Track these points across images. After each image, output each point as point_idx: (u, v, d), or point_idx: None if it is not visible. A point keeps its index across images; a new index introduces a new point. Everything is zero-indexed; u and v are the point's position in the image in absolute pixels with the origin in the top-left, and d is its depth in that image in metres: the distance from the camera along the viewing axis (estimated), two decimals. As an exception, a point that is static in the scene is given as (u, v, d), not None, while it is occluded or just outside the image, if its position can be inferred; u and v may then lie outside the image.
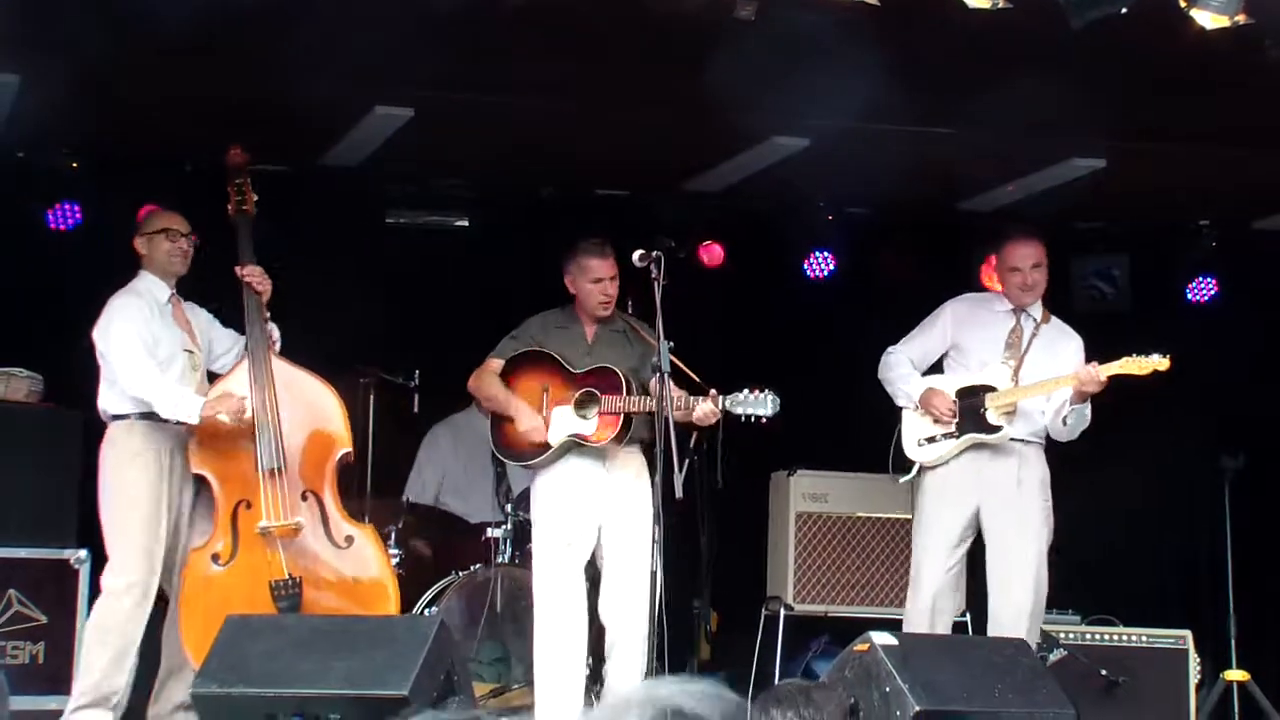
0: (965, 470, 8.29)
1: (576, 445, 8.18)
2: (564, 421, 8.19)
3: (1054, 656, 9.10)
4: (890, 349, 8.58)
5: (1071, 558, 9.07)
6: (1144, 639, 9.69)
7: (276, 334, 8.17)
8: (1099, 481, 10.41)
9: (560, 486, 8.21)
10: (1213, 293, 11.36)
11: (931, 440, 8.34)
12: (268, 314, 8.10)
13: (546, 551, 8.18)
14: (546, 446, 8.17)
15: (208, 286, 8.31)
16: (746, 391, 7.89)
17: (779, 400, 7.87)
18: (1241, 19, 7.04)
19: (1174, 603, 10.82)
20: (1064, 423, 8.18)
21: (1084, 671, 9.28)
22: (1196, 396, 10.65)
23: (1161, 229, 11.23)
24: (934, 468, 8.34)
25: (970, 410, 8.24)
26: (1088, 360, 8.21)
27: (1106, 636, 9.70)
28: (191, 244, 8.10)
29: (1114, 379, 7.97)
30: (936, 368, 8.58)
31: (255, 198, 8.25)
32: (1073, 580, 9.86)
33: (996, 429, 8.20)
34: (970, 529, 8.31)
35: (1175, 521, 11.29)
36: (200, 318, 8.22)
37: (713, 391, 7.91)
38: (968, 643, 8.29)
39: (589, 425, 8.15)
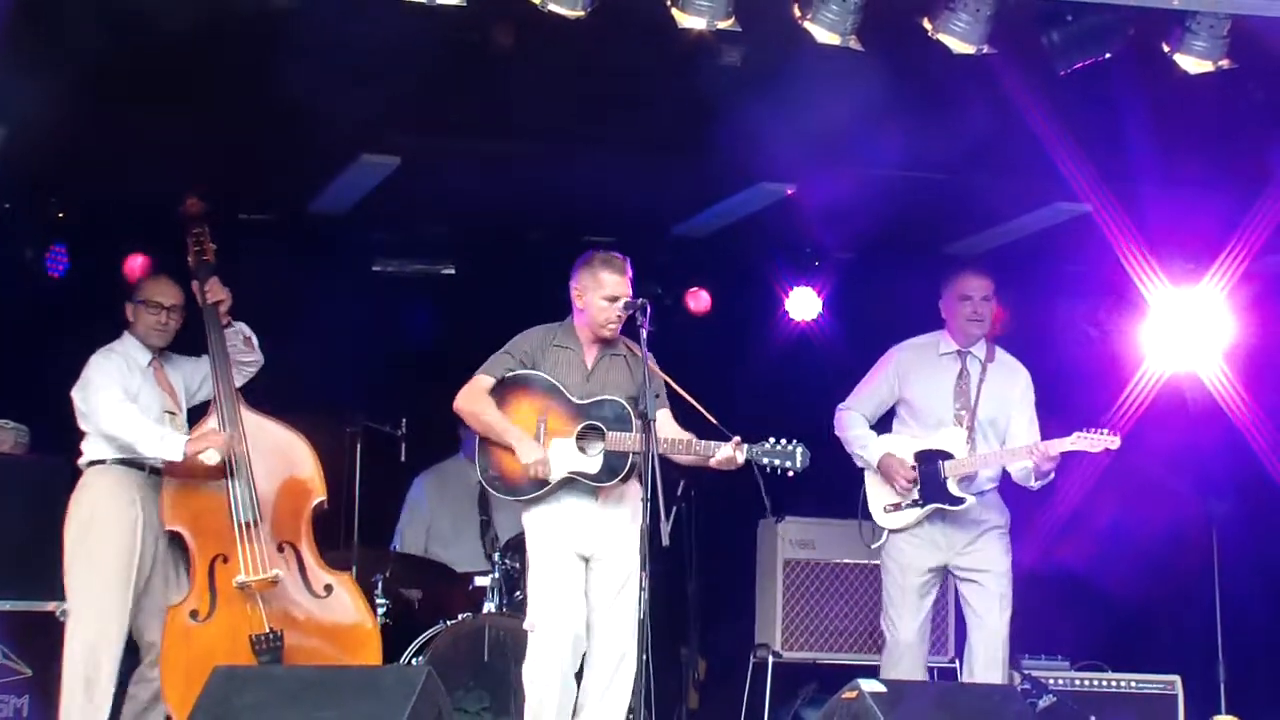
0: (931, 533, 8.48)
1: (572, 481, 7.80)
2: (564, 456, 7.77)
3: (1043, 703, 9.08)
4: (842, 405, 8.67)
5: (1061, 603, 9.07)
6: (1133, 684, 9.69)
7: (248, 329, 8.21)
8: (1088, 526, 10.41)
9: (553, 522, 7.79)
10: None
11: (897, 507, 8.48)
12: (229, 320, 8.14)
13: (542, 585, 7.78)
14: (546, 482, 7.77)
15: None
16: (773, 441, 7.62)
17: (809, 454, 7.61)
18: (1225, 64, 7.06)
19: (1163, 647, 10.78)
20: (1032, 484, 8.42)
21: (1073, 717, 9.25)
22: (1186, 439, 10.64)
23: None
24: (900, 530, 8.50)
25: (931, 477, 8.40)
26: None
27: (1095, 682, 9.69)
28: (175, 317, 8.13)
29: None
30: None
31: (214, 247, 8.25)
32: (1061, 625, 9.85)
33: (960, 500, 8.37)
34: (937, 581, 8.55)
35: (1164, 565, 11.25)
36: (178, 369, 8.25)
37: (737, 439, 7.62)
38: (956, 689, 8.29)
39: (593, 463, 7.76)
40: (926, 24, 6.99)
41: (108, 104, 7.97)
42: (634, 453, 7.65)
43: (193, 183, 8.55)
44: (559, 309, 8.09)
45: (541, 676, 7.70)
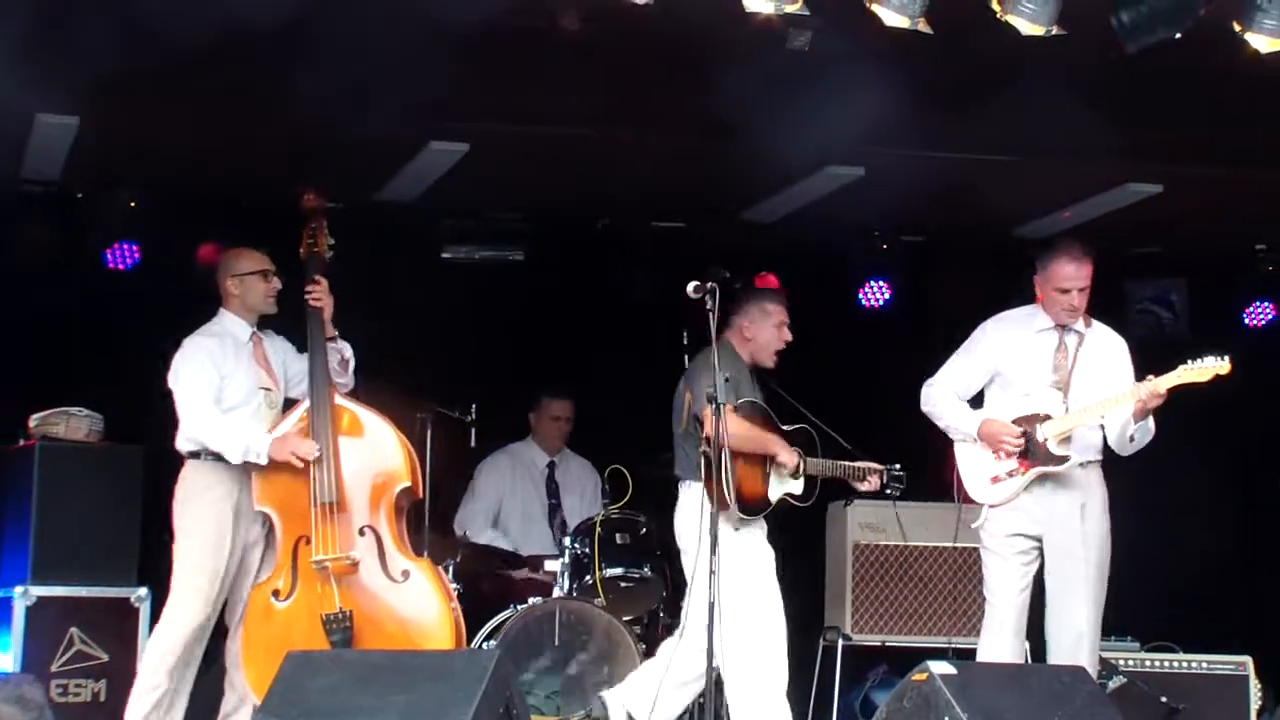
0: (1031, 504, 8.14)
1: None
2: (779, 481, 8.39)
3: (1114, 684, 9.08)
4: (930, 381, 8.39)
5: (1131, 584, 9.01)
6: (1204, 665, 9.66)
7: (349, 352, 8.23)
8: (1159, 507, 10.38)
9: (761, 538, 8.44)
10: (1270, 317, 11.30)
11: (999, 479, 8.16)
12: (334, 331, 8.18)
13: (762, 595, 8.39)
14: (768, 503, 8.37)
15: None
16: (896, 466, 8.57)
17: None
18: (1296, 42, 7.03)
19: (1234, 628, 10.74)
20: (1130, 439, 8.03)
21: (1144, 698, 9.25)
22: (1257, 421, 10.59)
23: (1218, 253, 11.16)
24: (1000, 505, 8.19)
25: (1029, 441, 8.07)
26: (1135, 365, 8.13)
27: (1166, 663, 9.66)
28: (278, 281, 8.21)
29: (1174, 390, 7.77)
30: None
31: (331, 241, 8.30)
32: (1132, 606, 9.81)
33: (1063, 459, 8.04)
34: (1037, 558, 8.18)
35: (1234, 546, 11.23)
36: (279, 349, 8.28)
37: (882, 468, 8.55)
38: (1027, 671, 8.23)
39: (798, 485, 8.43)
40: (995, 5, 6.98)
41: (177, 97, 8.02)
42: (820, 477, 8.52)
43: (260, 170, 8.62)
44: (627, 293, 8.14)
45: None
